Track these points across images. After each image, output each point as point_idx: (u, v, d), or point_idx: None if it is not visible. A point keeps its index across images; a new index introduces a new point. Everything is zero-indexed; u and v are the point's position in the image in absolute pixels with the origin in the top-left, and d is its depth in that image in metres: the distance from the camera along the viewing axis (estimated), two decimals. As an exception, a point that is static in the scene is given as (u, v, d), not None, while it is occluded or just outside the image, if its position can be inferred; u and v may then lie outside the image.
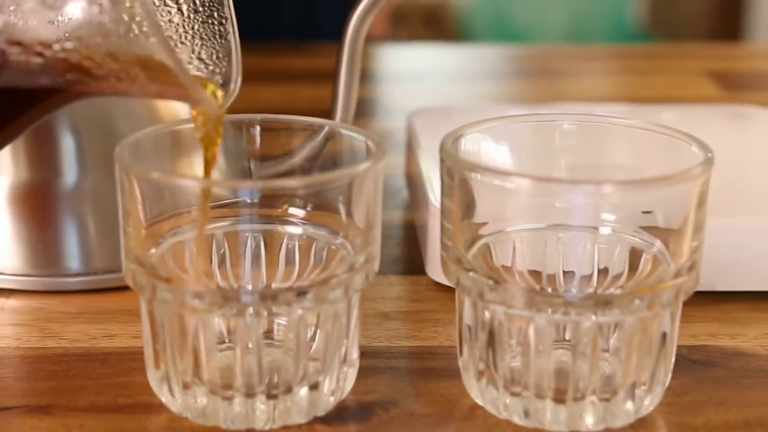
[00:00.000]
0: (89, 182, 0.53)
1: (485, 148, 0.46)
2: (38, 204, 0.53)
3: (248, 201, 0.42)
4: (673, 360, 0.43)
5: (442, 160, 0.43)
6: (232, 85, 0.44)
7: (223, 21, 0.47)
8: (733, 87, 0.89)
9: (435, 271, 0.53)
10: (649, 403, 0.43)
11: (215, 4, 0.46)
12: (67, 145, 0.53)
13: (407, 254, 0.58)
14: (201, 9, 0.46)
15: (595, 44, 2.27)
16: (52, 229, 0.53)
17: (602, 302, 0.40)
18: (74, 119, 0.53)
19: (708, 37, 2.43)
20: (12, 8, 0.38)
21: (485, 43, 2.52)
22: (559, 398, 0.42)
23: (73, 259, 0.53)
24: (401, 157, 0.68)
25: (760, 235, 0.52)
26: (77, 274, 0.53)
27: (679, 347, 0.47)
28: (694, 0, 2.54)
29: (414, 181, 0.61)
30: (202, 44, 0.45)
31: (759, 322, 0.51)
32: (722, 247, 0.52)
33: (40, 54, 0.39)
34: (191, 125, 0.46)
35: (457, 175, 0.42)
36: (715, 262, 0.52)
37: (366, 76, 0.90)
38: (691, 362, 0.47)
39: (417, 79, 0.95)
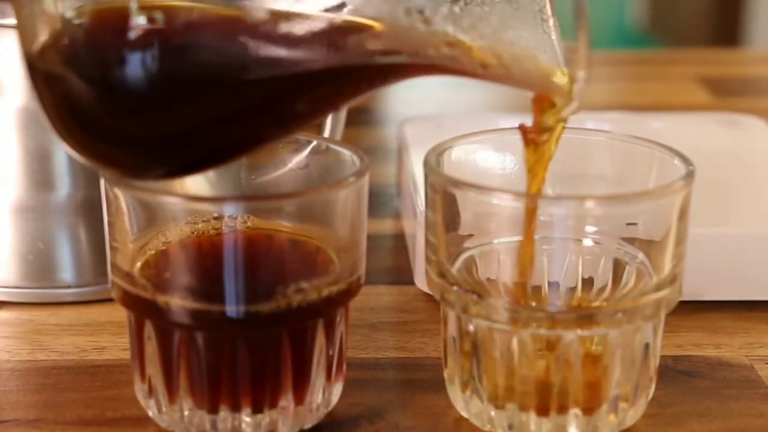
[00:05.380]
0: (81, 195, 0.54)
1: (471, 160, 0.46)
2: (30, 216, 0.53)
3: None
4: (656, 371, 0.44)
5: (426, 175, 0.43)
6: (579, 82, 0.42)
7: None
8: (725, 93, 0.89)
9: (423, 281, 0.53)
10: (633, 415, 0.43)
11: None
12: (59, 158, 0.53)
13: (397, 264, 0.59)
14: None
15: (593, 49, 2.26)
16: (44, 242, 0.53)
17: (585, 316, 0.41)
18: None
19: (707, 40, 2.43)
20: None
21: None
22: (543, 411, 0.42)
23: (65, 271, 0.54)
24: (395, 165, 0.68)
25: (746, 245, 0.53)
26: (69, 286, 0.54)
27: (663, 357, 0.48)
28: (694, 3, 2.54)
29: (403, 191, 0.61)
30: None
31: (744, 332, 0.51)
32: (709, 256, 0.52)
33: None
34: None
35: (441, 190, 0.42)
36: (702, 272, 0.52)
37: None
38: (676, 372, 0.48)
39: (414, 86, 0.95)
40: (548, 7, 0.41)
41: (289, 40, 0.38)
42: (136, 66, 0.37)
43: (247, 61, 0.37)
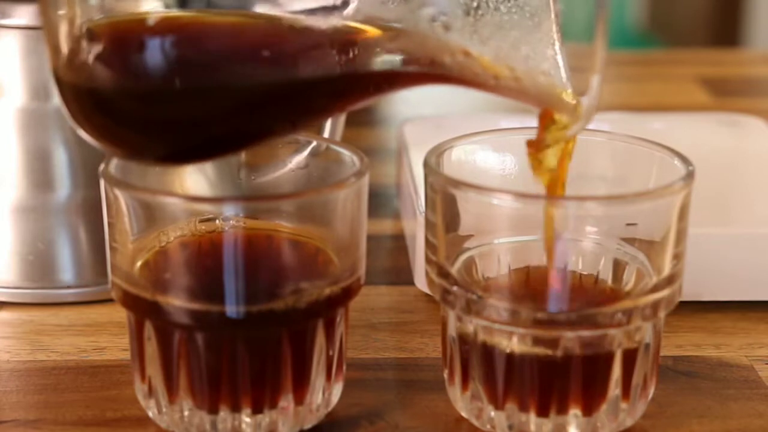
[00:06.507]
0: (81, 195, 0.54)
1: (471, 160, 0.46)
2: (30, 216, 0.53)
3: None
4: (656, 371, 0.44)
5: (426, 175, 0.43)
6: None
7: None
8: (725, 94, 0.89)
9: (423, 281, 0.53)
10: (633, 415, 0.43)
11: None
12: (59, 158, 0.53)
13: (397, 264, 0.58)
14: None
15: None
16: (44, 242, 0.53)
17: (585, 316, 0.41)
18: (66, 132, 0.53)
19: (707, 40, 2.43)
20: None
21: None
22: (543, 411, 0.42)
23: (65, 271, 0.54)
24: (395, 165, 0.68)
25: (746, 245, 0.53)
26: (69, 286, 0.54)
27: (663, 358, 0.48)
28: (694, 3, 2.54)
29: (403, 192, 0.61)
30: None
31: (744, 333, 0.51)
32: (709, 256, 0.52)
33: None
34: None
35: (440, 191, 0.42)
36: (702, 272, 0.52)
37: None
38: (676, 373, 0.48)
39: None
40: (554, 29, 0.41)
41: (303, 42, 0.38)
42: (154, 60, 0.38)
43: (259, 62, 0.38)
